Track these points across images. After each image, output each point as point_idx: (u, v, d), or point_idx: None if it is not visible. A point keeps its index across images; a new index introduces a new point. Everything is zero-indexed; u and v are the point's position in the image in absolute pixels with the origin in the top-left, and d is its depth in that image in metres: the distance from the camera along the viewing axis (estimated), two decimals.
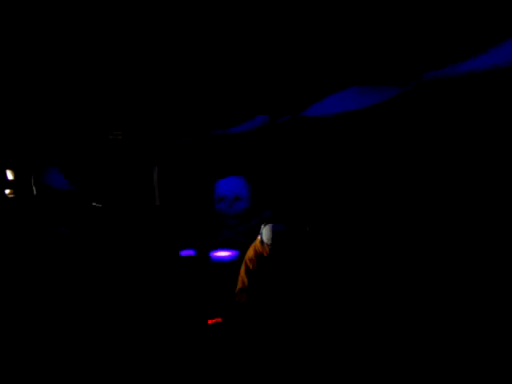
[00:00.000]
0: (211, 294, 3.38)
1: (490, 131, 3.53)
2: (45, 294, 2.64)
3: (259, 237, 2.74)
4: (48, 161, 4.02)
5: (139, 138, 4.47)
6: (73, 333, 2.62)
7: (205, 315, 3.11)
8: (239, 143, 4.40)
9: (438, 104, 4.08)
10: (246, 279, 2.76)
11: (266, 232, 2.68)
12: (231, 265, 3.57)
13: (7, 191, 3.73)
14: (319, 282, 2.70)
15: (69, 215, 2.91)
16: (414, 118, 4.14)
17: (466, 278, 3.18)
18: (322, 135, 4.28)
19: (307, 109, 4.24)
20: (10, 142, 4.26)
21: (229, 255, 3.72)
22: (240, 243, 3.67)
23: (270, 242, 2.66)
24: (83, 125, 4.34)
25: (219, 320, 3.13)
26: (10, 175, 3.60)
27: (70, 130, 4.36)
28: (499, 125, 3.47)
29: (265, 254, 2.69)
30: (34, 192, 2.86)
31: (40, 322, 2.58)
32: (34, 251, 2.67)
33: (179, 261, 3.69)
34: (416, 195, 3.90)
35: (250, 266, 2.79)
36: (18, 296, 2.61)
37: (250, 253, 2.83)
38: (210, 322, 3.15)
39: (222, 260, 3.66)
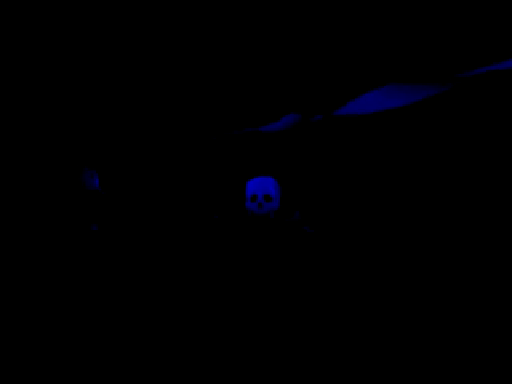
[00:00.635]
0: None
1: None
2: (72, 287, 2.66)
3: None
4: (84, 162, 4.03)
5: (167, 137, 4.41)
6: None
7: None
8: (270, 142, 4.30)
9: (478, 103, 3.92)
10: None
11: None
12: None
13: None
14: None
15: (100, 215, 2.95)
16: (453, 117, 3.98)
17: (466, 278, 3.14)
18: (357, 134, 4.15)
19: (341, 108, 4.12)
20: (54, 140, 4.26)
21: None
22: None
23: None
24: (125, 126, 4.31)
25: None
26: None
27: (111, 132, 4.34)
28: None
29: None
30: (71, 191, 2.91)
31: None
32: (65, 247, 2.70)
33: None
34: (455, 192, 3.76)
35: None
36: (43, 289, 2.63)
37: None
38: None
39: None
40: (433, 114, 4.04)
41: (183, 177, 4.45)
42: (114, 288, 2.90)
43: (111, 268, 2.93)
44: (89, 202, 2.92)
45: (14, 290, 2.67)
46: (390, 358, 2.51)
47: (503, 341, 2.53)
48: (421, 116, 4.06)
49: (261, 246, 3.51)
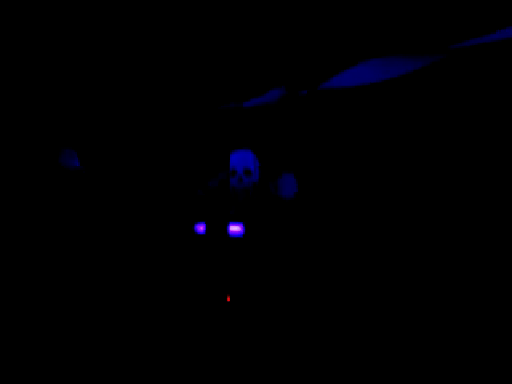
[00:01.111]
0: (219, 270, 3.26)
1: None
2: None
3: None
4: (61, 141, 3.91)
5: (147, 112, 4.27)
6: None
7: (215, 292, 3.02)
8: (253, 117, 4.16)
9: (470, 75, 3.77)
10: None
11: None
12: (238, 240, 3.45)
13: None
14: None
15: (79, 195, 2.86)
16: (445, 90, 3.84)
17: (466, 276, 3.10)
18: (344, 108, 4.01)
19: (327, 81, 3.98)
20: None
21: (236, 231, 3.68)
22: (249, 218, 3.53)
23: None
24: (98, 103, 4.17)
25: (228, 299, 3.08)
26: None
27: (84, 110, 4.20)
28: None
29: None
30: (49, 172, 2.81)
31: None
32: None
33: (193, 236, 3.64)
34: (440, 172, 3.64)
35: None
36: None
37: None
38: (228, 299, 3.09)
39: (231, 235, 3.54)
40: (423, 87, 3.90)
41: (163, 154, 4.32)
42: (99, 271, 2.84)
43: (96, 248, 2.86)
44: (68, 182, 2.81)
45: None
46: (389, 356, 2.47)
47: (503, 341, 2.51)
48: (411, 89, 3.92)
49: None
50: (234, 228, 3.61)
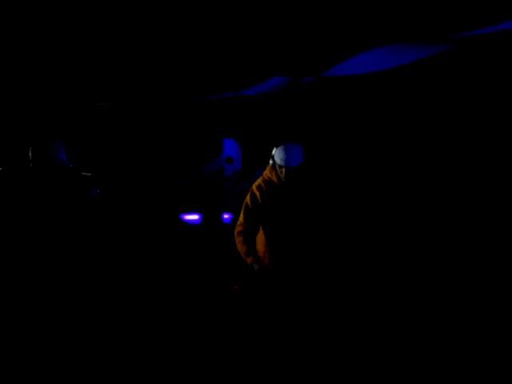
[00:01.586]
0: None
1: None
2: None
3: (270, 162, 2.43)
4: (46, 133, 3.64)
5: (137, 103, 3.82)
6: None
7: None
8: (251, 106, 3.88)
9: (476, 65, 3.70)
10: (242, 216, 2.49)
11: (278, 153, 2.37)
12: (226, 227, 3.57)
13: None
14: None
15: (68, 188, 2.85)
16: (450, 80, 3.77)
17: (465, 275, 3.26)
18: (351, 97, 3.84)
19: (330, 69, 3.72)
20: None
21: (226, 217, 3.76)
22: (232, 206, 3.67)
23: (283, 164, 2.35)
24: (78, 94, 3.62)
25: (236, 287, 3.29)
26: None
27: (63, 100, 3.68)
28: None
29: (276, 182, 2.43)
30: (31, 165, 2.76)
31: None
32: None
33: (179, 224, 3.68)
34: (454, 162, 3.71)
35: (258, 195, 2.47)
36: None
37: (257, 183, 2.51)
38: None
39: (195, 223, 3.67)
40: (428, 76, 3.80)
41: (155, 143, 4.00)
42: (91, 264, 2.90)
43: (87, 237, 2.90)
44: (55, 176, 2.77)
45: None
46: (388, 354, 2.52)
47: (503, 341, 2.58)
48: (416, 77, 3.80)
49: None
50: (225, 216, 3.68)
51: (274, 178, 2.37)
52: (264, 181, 2.41)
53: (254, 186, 2.40)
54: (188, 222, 3.88)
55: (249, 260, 2.32)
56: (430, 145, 3.74)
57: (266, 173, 2.44)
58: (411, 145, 3.78)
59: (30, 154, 2.64)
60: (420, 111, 3.79)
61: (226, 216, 3.92)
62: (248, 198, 2.38)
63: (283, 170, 2.31)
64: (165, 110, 3.91)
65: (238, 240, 2.37)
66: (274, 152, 2.37)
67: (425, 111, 3.79)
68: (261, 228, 2.41)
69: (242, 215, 2.38)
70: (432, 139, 3.74)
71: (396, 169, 3.80)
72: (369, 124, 3.83)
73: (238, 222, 2.44)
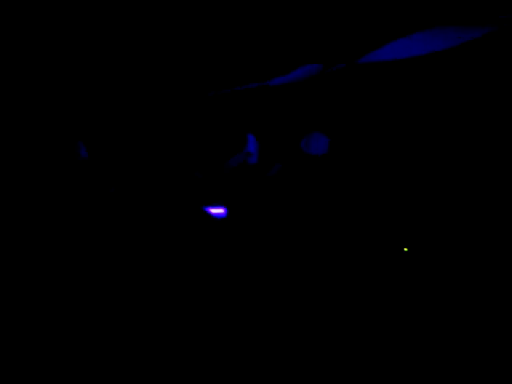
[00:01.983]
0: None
1: None
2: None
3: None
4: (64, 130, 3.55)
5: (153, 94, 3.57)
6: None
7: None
8: (279, 98, 3.54)
9: None
10: None
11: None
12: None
13: None
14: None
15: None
16: (498, 64, 3.30)
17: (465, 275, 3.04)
18: (387, 87, 3.43)
19: (367, 54, 3.32)
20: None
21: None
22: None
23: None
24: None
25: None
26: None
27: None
28: None
29: None
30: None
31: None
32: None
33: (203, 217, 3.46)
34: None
35: None
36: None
37: None
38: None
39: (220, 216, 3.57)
40: (475, 60, 3.33)
41: (174, 137, 3.75)
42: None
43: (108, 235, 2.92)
44: (79, 173, 2.89)
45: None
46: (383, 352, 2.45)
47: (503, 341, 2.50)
48: (463, 63, 3.34)
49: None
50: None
51: None
52: None
53: None
54: (213, 216, 3.74)
55: None
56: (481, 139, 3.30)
57: None
58: (464, 139, 3.35)
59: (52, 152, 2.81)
60: (470, 99, 3.35)
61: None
62: None
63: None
64: (185, 102, 3.65)
65: None
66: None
67: (475, 98, 3.35)
68: None
69: None
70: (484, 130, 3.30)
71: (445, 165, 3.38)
72: (411, 117, 3.42)
73: None
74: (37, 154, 3.54)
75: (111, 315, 2.69)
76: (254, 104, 3.52)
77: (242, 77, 3.41)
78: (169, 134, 3.73)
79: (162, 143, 3.77)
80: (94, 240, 2.93)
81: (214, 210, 3.63)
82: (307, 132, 2.57)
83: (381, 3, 3.12)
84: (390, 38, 3.28)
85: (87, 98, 3.49)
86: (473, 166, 3.32)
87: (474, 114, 3.37)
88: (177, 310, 3.00)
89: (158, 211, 3.70)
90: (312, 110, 3.45)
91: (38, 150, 3.57)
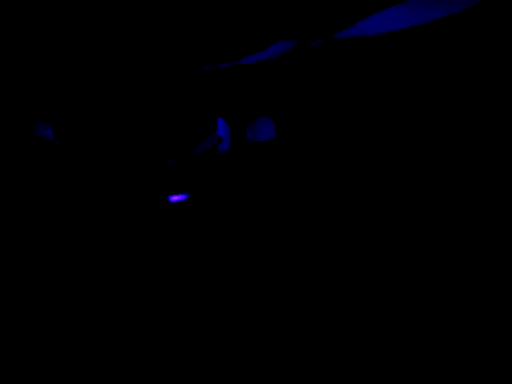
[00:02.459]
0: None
1: None
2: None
3: None
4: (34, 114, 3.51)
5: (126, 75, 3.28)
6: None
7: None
8: (252, 77, 3.28)
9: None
10: None
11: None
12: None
13: None
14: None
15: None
16: (483, 39, 3.09)
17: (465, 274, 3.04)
18: (368, 64, 3.18)
19: (347, 28, 3.04)
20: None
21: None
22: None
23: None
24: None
25: None
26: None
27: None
28: None
29: None
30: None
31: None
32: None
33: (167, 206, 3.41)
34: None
35: None
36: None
37: None
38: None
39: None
40: (467, 32, 3.09)
41: (142, 119, 3.51)
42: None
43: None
44: (42, 154, 2.84)
45: None
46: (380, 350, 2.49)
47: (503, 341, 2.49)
48: (453, 35, 3.10)
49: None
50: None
51: None
52: None
53: None
54: (176, 202, 3.65)
55: None
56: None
57: None
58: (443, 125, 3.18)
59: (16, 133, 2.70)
60: (454, 80, 3.14)
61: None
62: None
63: None
64: (152, 83, 3.38)
65: None
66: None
67: (460, 78, 3.14)
68: None
69: None
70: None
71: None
72: (394, 96, 3.21)
73: None
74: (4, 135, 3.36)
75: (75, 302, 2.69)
76: (225, 84, 3.26)
77: (212, 56, 3.12)
78: (138, 117, 3.49)
79: (132, 126, 3.55)
80: (58, 225, 2.83)
81: (175, 197, 3.54)
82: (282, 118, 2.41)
83: None
84: (371, 9, 2.99)
85: (54, 77, 3.22)
86: (438, 148, 3.19)
87: (455, 97, 3.18)
88: (141, 295, 2.96)
89: (125, 199, 3.56)
90: (286, 90, 3.20)
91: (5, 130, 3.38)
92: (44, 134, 2.76)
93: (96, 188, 3.40)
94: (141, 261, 3.24)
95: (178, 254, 3.23)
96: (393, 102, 3.17)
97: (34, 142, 2.77)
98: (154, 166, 3.52)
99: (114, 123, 3.47)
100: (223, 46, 3.11)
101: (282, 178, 2.47)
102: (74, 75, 3.35)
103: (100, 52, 3.21)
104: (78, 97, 3.42)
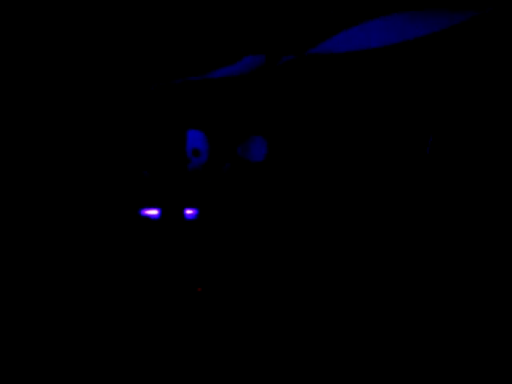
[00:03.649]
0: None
1: None
2: None
3: None
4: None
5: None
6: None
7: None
8: (221, 91, 3.21)
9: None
10: None
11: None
12: (190, 223, 3.39)
13: None
14: None
15: None
16: (478, 56, 2.99)
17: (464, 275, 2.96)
18: (342, 80, 3.09)
19: (320, 44, 2.94)
20: None
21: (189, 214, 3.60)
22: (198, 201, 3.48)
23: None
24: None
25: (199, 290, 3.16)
26: None
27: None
28: None
29: None
30: None
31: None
32: None
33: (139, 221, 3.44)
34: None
35: None
36: None
37: None
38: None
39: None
40: (450, 50, 2.99)
41: (113, 132, 3.46)
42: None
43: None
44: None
45: None
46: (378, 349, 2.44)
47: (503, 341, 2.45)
48: (433, 53, 3.00)
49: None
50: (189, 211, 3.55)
51: None
52: None
53: None
54: (148, 217, 3.62)
55: None
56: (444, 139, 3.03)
57: None
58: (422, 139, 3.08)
59: None
60: (431, 97, 3.03)
61: (189, 212, 3.64)
62: None
63: None
64: (124, 96, 3.32)
65: None
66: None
67: (437, 97, 3.03)
68: None
69: None
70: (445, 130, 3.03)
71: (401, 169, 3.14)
72: (368, 113, 3.11)
73: None
74: None
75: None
76: (195, 98, 3.19)
77: (182, 69, 3.05)
78: (110, 131, 3.44)
79: (103, 140, 3.51)
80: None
81: (149, 212, 3.49)
82: (249, 132, 2.39)
83: None
84: (344, 25, 2.90)
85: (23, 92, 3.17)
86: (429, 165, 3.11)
87: (437, 114, 3.08)
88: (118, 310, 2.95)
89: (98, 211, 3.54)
90: (256, 106, 3.12)
91: None
92: None
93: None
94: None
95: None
96: (367, 117, 3.08)
97: None
98: (128, 177, 3.49)
99: (88, 136, 3.43)
100: (194, 60, 3.04)
101: (272, 191, 2.50)
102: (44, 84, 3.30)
103: (70, 65, 3.15)
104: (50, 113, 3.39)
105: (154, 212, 3.46)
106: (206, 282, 3.16)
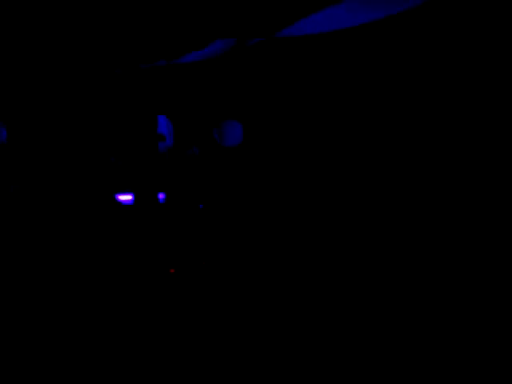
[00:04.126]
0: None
1: None
2: None
3: None
4: None
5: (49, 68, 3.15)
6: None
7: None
8: (189, 76, 3.17)
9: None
10: None
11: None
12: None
13: None
14: None
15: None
16: (439, 36, 2.98)
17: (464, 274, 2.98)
18: (310, 64, 3.07)
19: (288, 27, 2.91)
20: None
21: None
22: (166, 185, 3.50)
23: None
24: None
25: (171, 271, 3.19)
26: None
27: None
28: None
29: None
30: None
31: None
32: None
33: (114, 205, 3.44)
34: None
35: None
36: None
37: None
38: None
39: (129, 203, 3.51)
40: (414, 31, 2.98)
41: (81, 117, 3.41)
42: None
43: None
44: None
45: None
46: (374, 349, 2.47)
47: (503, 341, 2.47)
48: (402, 34, 2.99)
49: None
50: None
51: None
52: None
53: None
54: (122, 203, 3.59)
55: None
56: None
57: None
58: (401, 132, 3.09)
59: None
60: (410, 83, 3.04)
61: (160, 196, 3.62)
62: None
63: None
64: (92, 79, 3.26)
65: None
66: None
67: (416, 82, 3.04)
68: None
69: None
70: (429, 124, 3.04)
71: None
72: (340, 98, 3.11)
73: None
74: None
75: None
76: (165, 83, 3.14)
77: (151, 54, 3.00)
78: (78, 116, 3.39)
79: (72, 124, 3.45)
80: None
81: (122, 197, 3.47)
82: (220, 116, 2.34)
83: None
84: (314, 7, 2.87)
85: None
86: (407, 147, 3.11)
87: (403, 92, 3.09)
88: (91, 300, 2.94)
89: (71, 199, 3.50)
90: (226, 90, 3.09)
91: None
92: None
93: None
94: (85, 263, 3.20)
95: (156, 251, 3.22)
96: (334, 101, 3.07)
97: None
98: (96, 164, 3.44)
99: (55, 121, 3.37)
100: (162, 45, 2.99)
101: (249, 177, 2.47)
102: (12, 72, 3.23)
103: (35, 48, 3.07)
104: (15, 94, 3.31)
105: (127, 197, 3.44)
106: (180, 265, 3.17)
